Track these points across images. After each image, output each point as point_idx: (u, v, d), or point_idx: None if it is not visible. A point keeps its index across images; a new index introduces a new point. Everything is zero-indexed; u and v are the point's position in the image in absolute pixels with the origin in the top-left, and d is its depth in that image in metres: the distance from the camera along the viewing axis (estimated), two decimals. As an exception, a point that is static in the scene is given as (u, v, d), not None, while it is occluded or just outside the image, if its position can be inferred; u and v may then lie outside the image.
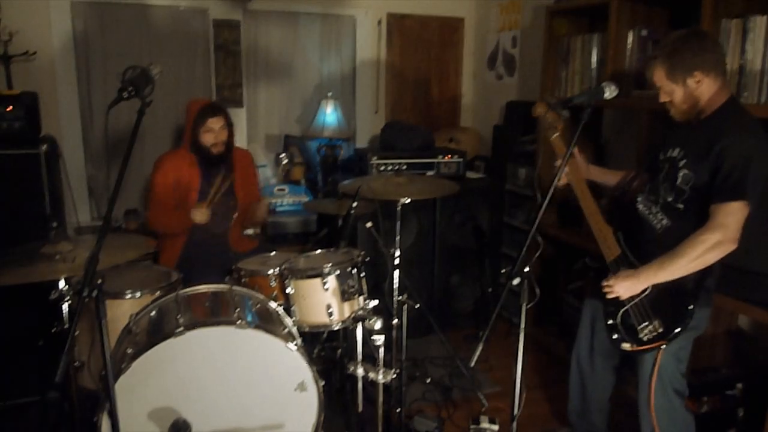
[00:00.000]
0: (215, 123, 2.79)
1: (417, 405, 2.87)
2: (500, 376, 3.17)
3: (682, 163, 1.96)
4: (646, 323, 2.01)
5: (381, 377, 2.09)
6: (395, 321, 2.55)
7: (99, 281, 1.43)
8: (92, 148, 3.77)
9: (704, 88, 1.91)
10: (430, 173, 3.67)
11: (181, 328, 1.77)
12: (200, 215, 2.70)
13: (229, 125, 2.88)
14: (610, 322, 2.12)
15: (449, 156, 3.71)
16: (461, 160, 3.73)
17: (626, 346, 2.08)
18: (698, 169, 1.90)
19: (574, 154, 2.19)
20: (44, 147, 2.77)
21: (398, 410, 2.55)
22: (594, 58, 3.07)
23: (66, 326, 2.02)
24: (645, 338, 2.02)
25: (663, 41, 1.98)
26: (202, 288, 2.16)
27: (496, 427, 2.63)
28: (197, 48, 3.90)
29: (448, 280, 3.71)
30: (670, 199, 2.00)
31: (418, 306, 2.58)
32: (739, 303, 2.26)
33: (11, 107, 2.77)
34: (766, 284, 2.18)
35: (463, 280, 3.75)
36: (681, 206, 1.97)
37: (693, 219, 1.91)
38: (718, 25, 2.32)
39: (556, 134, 2.15)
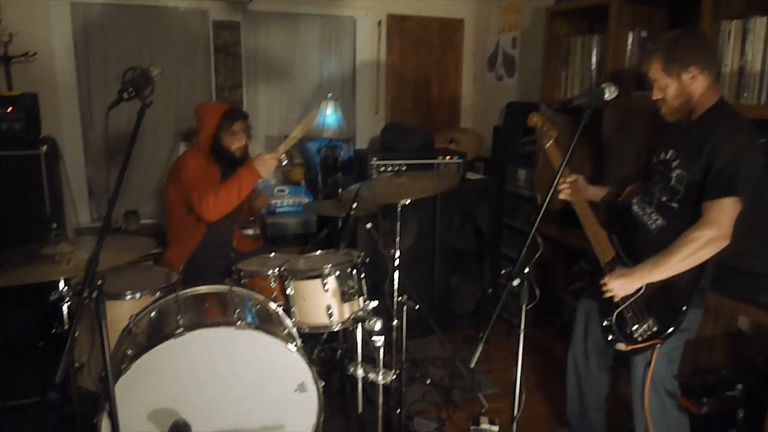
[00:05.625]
0: (239, 127, 2.82)
1: (417, 406, 2.86)
2: (500, 377, 3.17)
3: (675, 163, 1.99)
4: (641, 323, 2.02)
5: (381, 378, 2.09)
6: (395, 322, 2.55)
7: (99, 282, 1.43)
8: (92, 149, 3.78)
9: (697, 84, 1.94)
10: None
11: (181, 329, 1.77)
12: (269, 163, 2.63)
13: (248, 128, 2.92)
14: (606, 323, 2.13)
15: (449, 157, 3.71)
16: (461, 161, 3.73)
17: (621, 346, 2.09)
18: (691, 168, 1.93)
19: (576, 180, 2.20)
20: (44, 148, 2.78)
21: (398, 411, 2.54)
22: (594, 59, 3.07)
23: (66, 327, 2.02)
24: (639, 338, 2.03)
25: (662, 37, 2.01)
26: (202, 289, 2.16)
27: (496, 428, 2.64)
28: (197, 49, 3.91)
29: (448, 281, 3.71)
30: (664, 198, 2.02)
31: (417, 307, 2.58)
32: (739, 304, 2.26)
33: (11, 108, 2.78)
34: (766, 286, 2.18)
35: (463, 281, 3.75)
36: (676, 205, 1.99)
37: (688, 217, 1.92)
38: (717, 26, 2.32)
39: (551, 143, 2.16)
